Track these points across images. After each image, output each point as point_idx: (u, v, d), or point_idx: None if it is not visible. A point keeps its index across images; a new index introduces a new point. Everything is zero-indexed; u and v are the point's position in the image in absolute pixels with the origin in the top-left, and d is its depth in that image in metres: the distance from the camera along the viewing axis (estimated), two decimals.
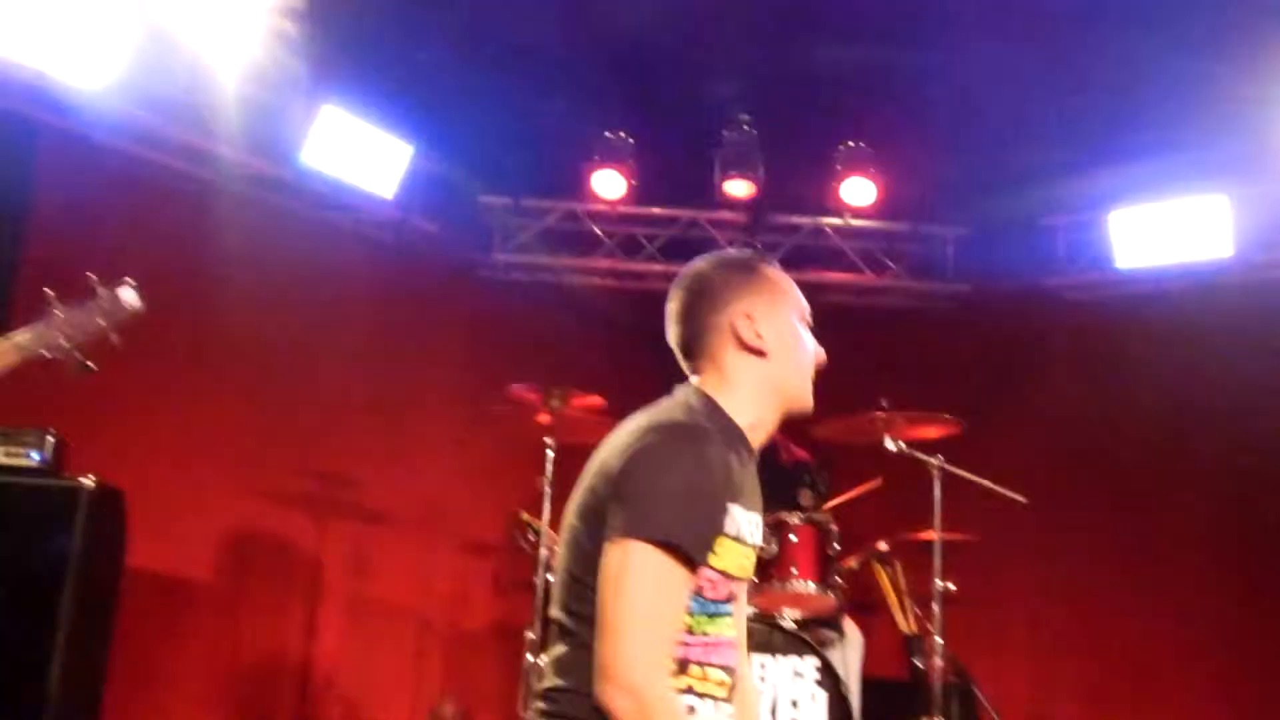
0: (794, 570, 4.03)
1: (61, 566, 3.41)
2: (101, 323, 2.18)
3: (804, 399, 2.00)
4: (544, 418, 4.41)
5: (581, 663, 1.79)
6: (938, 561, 4.12)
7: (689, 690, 1.86)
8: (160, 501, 4.31)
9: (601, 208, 5.85)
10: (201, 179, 4.84)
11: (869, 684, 4.26)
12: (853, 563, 4.40)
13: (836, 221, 5.98)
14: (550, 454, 4.42)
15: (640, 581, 1.74)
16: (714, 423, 1.89)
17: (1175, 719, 5.01)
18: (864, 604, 4.62)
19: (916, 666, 4.23)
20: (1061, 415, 5.30)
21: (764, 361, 1.93)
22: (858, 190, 5.70)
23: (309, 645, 5.06)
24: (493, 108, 5.22)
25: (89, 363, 2.17)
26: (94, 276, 2.20)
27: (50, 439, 3.57)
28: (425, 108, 5.21)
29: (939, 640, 4.06)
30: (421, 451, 5.22)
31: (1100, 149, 5.15)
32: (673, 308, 2.00)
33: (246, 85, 4.69)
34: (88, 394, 4.38)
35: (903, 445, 4.18)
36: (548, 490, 4.37)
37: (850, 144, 5.66)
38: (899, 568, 4.49)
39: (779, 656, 3.83)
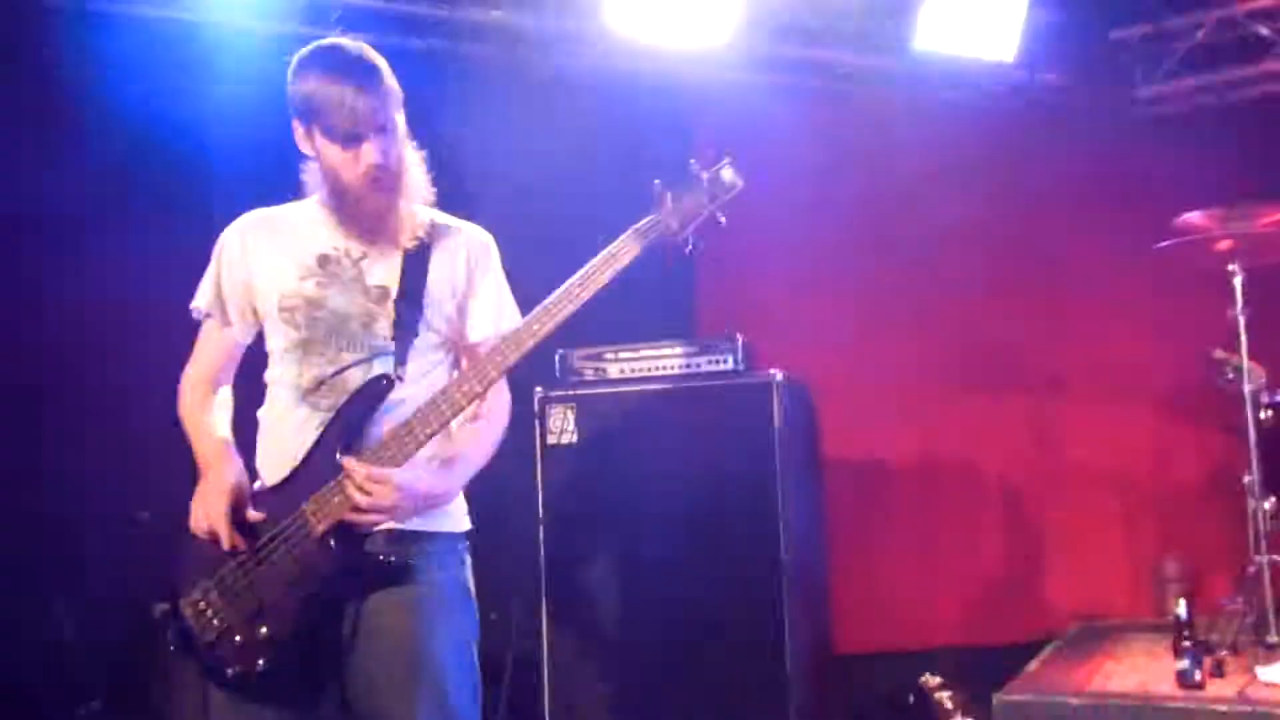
0: None
1: (769, 449, 3.83)
2: (707, 203, 2.17)
3: None
4: (1224, 244, 3.98)
5: None
6: None
7: None
8: (845, 390, 4.68)
9: (1267, 2, 5.04)
10: (827, 90, 5.10)
11: None
12: None
13: None
14: (1238, 281, 3.97)
15: None
16: None
17: None
18: None
19: None
20: None
21: None
22: None
23: (1011, 516, 5.11)
24: None
25: (700, 245, 2.19)
26: (695, 161, 2.18)
27: (740, 343, 4.01)
28: None
29: None
30: (1094, 311, 4.97)
31: None
32: None
33: None
34: (769, 300, 4.92)
35: None
36: (1242, 320, 3.93)
37: None
38: None
39: None
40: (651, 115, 4.88)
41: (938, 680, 4.11)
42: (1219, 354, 4.04)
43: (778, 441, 3.86)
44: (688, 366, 4.04)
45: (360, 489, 2.08)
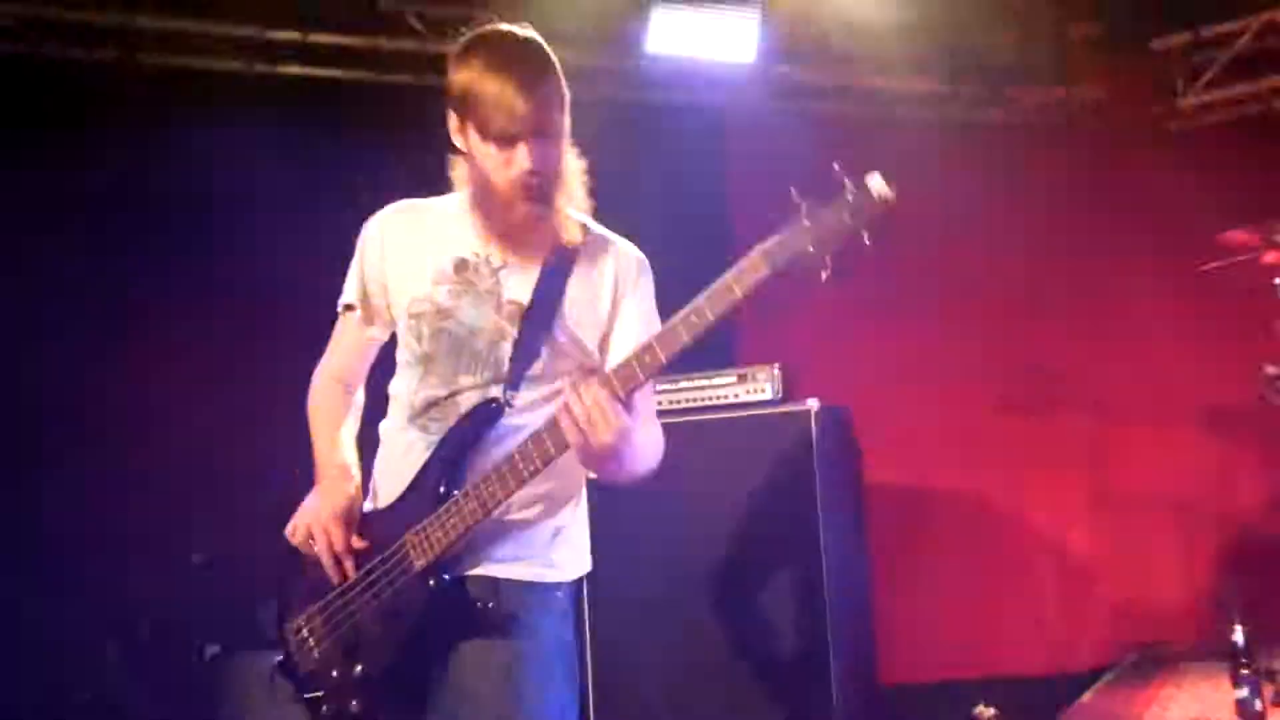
0: None
1: (808, 478, 3.79)
2: (850, 221, 1.78)
3: None
4: (1271, 256, 3.90)
5: None
6: None
7: None
8: (888, 416, 4.62)
9: None
10: (863, 114, 5.09)
11: None
12: None
13: None
14: None
15: None
16: None
17: None
18: None
19: None
20: None
21: None
22: None
23: (1061, 541, 5.01)
24: None
25: (845, 270, 1.80)
26: (839, 167, 1.79)
27: (777, 372, 3.99)
28: None
29: None
30: (1138, 330, 4.88)
31: None
32: None
33: None
34: (809, 328, 4.88)
35: None
36: None
37: None
38: None
39: None
40: (686, 143, 4.89)
41: (991, 711, 4.04)
42: (1271, 369, 3.93)
43: (817, 469, 3.82)
44: (726, 397, 4.03)
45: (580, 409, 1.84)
